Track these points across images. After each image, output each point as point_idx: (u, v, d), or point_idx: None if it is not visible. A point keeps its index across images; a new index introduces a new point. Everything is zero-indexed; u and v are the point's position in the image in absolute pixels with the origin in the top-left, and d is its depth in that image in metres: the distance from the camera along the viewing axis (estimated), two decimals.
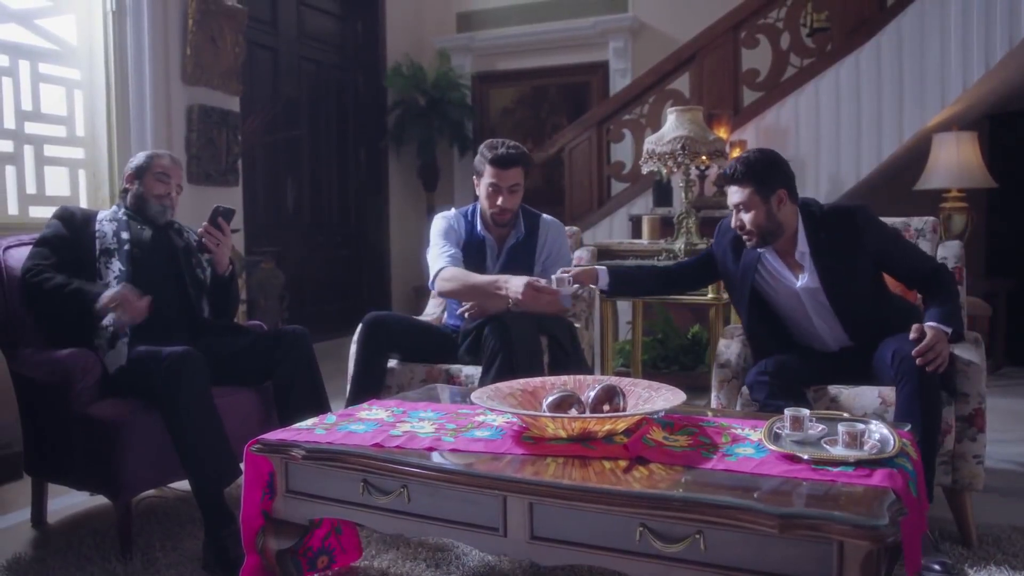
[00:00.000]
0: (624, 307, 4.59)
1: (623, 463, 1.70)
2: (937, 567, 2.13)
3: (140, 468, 2.41)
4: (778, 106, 5.22)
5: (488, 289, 2.80)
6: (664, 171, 3.53)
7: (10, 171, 3.64)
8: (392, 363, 2.95)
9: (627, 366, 4.43)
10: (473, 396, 2.00)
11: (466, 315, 2.90)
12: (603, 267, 2.82)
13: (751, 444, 1.80)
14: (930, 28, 4.77)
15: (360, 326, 2.91)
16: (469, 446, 1.84)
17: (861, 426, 1.73)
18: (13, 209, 3.64)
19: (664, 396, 1.97)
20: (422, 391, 2.52)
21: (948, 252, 2.81)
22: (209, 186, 4.31)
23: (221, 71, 4.32)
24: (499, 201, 2.92)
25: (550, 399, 1.93)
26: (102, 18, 3.91)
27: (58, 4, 3.83)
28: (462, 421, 2.04)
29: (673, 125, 3.53)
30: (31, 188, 3.71)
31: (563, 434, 1.83)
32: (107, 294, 2.44)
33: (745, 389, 2.57)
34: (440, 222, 3.07)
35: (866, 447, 1.69)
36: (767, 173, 2.49)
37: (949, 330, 2.30)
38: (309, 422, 2.08)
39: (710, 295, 3.36)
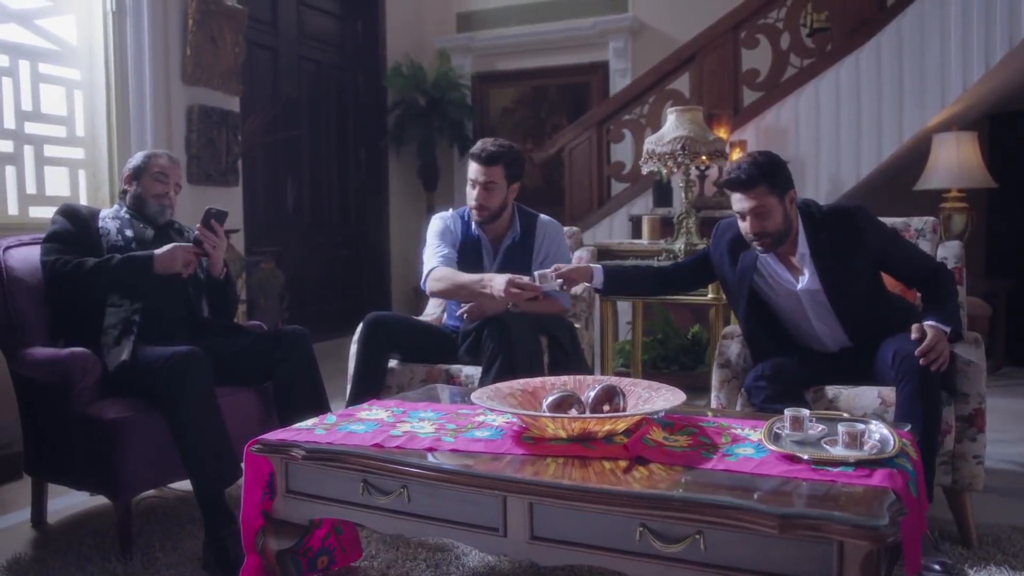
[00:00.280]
0: (624, 307, 4.59)
1: (623, 463, 1.70)
2: (937, 567, 2.14)
3: (140, 468, 2.41)
4: (778, 106, 5.22)
5: (474, 288, 2.81)
6: (664, 171, 3.53)
7: (10, 171, 3.64)
8: (392, 363, 2.96)
9: (627, 366, 4.43)
10: (473, 396, 2.00)
11: (464, 316, 2.90)
12: (598, 266, 2.81)
13: (751, 444, 1.80)
14: (930, 28, 4.77)
15: (360, 326, 2.91)
16: (469, 446, 1.84)
17: (861, 426, 1.73)
18: (13, 209, 3.64)
19: (664, 396, 1.97)
20: (422, 391, 2.52)
21: (948, 252, 2.81)
22: (209, 186, 4.31)
23: (221, 71, 4.32)
24: (474, 197, 2.94)
25: (550, 399, 1.93)
26: (102, 18, 3.91)
27: (58, 4, 3.83)
28: (462, 421, 2.04)
29: (673, 125, 3.52)
30: (31, 188, 3.71)
31: (563, 434, 1.83)
32: (162, 255, 2.56)
33: (745, 391, 2.56)
34: (437, 222, 3.08)
35: (866, 447, 1.69)
36: (778, 173, 2.45)
37: (948, 329, 2.31)
38: (309, 422, 2.08)
39: (710, 295, 3.36)
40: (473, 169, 2.94)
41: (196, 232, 2.71)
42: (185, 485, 2.54)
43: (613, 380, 2.08)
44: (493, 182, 2.92)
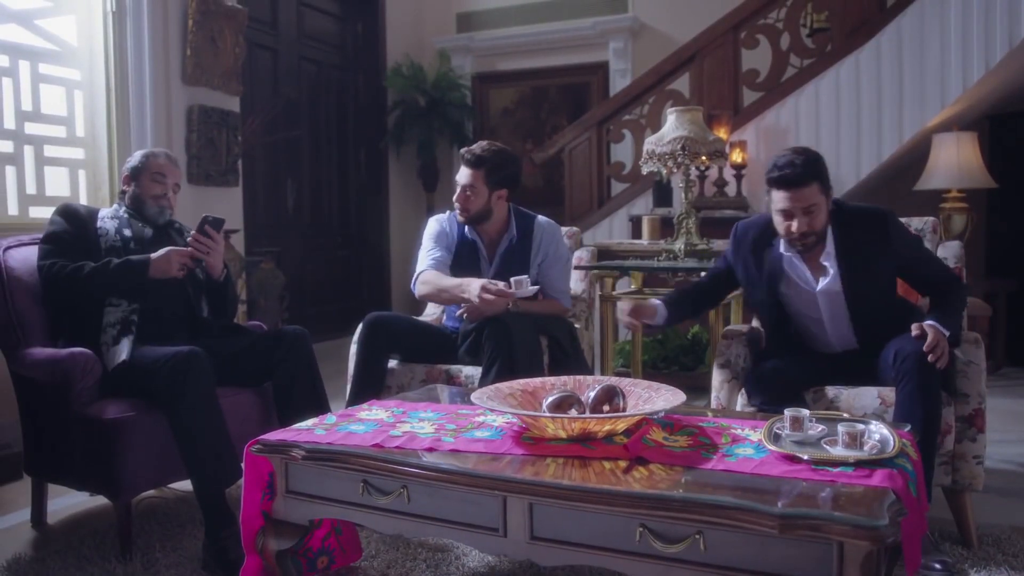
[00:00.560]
0: None
1: (623, 463, 1.70)
2: (938, 566, 2.14)
3: (140, 468, 2.41)
4: (778, 106, 5.22)
5: (454, 293, 2.84)
6: (664, 171, 3.53)
7: (10, 171, 3.64)
8: (392, 363, 2.96)
9: (627, 366, 4.43)
10: (473, 396, 2.00)
11: (464, 316, 2.90)
12: (659, 302, 2.71)
13: (751, 444, 1.80)
14: (930, 28, 4.77)
15: (361, 326, 2.91)
16: (469, 446, 1.84)
17: (861, 426, 1.73)
18: (13, 209, 3.64)
19: (664, 396, 1.97)
20: (422, 391, 2.52)
21: (948, 252, 2.80)
22: (209, 186, 4.31)
23: (221, 71, 4.32)
24: (455, 196, 2.98)
25: (550, 399, 1.93)
26: (102, 18, 3.92)
27: (58, 4, 3.84)
28: (462, 421, 2.04)
29: (673, 125, 3.52)
30: (31, 188, 3.71)
31: (563, 434, 1.83)
32: (158, 258, 2.57)
33: (745, 391, 2.56)
34: (433, 225, 3.09)
35: (866, 447, 1.69)
36: (825, 171, 2.40)
37: (947, 333, 2.32)
38: (309, 422, 2.07)
39: None
40: (459, 171, 2.99)
41: (190, 239, 2.71)
42: (185, 485, 2.54)
43: (613, 380, 2.08)
44: (472, 186, 2.94)
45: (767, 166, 2.48)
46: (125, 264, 2.57)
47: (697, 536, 1.48)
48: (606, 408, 1.92)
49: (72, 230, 2.65)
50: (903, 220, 2.86)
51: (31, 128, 3.72)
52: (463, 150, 3.00)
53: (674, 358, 4.73)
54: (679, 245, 3.58)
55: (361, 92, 6.98)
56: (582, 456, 1.75)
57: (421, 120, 6.86)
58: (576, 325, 3.20)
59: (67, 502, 2.88)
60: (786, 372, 2.49)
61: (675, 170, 3.52)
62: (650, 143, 3.55)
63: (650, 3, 6.67)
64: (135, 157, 2.83)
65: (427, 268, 2.97)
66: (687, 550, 1.49)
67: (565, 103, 7.12)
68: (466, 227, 3.03)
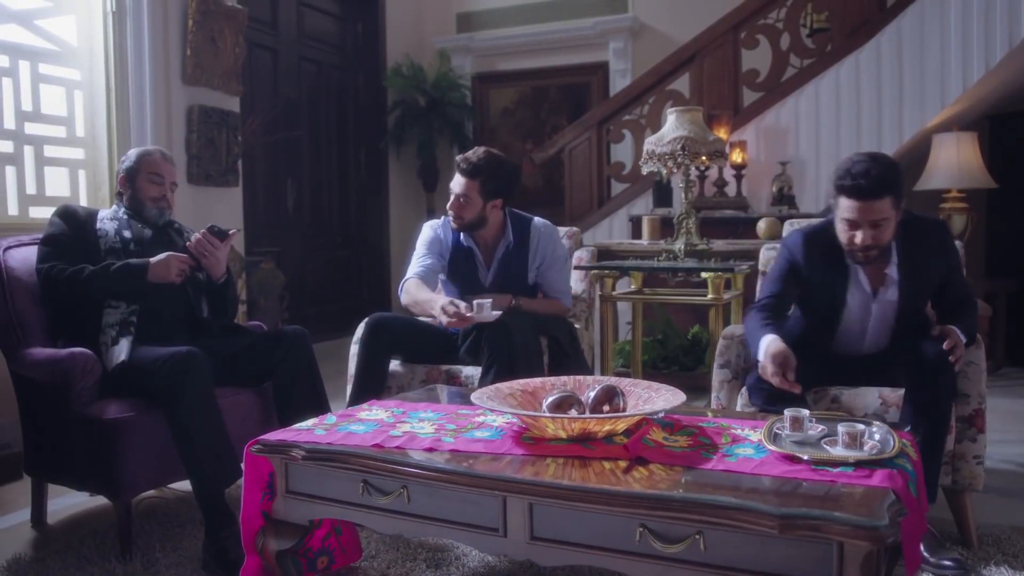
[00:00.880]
0: (624, 308, 4.59)
1: (623, 463, 1.70)
2: (949, 563, 2.14)
3: (140, 468, 2.41)
4: (778, 106, 5.22)
5: (425, 307, 2.82)
6: (664, 172, 3.53)
7: (10, 171, 3.64)
8: (394, 364, 2.95)
9: (627, 366, 4.43)
10: (473, 397, 2.00)
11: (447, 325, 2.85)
12: (780, 341, 2.33)
13: (751, 445, 1.80)
14: (930, 28, 4.77)
15: (363, 327, 2.91)
16: (469, 447, 1.84)
17: (861, 427, 1.73)
18: (13, 210, 3.64)
19: (664, 397, 1.97)
20: (422, 391, 2.52)
21: None
22: (209, 186, 4.31)
23: (221, 71, 4.32)
24: (448, 204, 2.95)
25: (550, 399, 1.93)
26: (102, 18, 3.92)
27: (58, 4, 3.84)
28: (462, 422, 2.04)
29: (673, 125, 3.53)
30: (31, 189, 3.71)
31: (563, 434, 1.83)
32: (157, 263, 2.57)
33: (745, 391, 2.56)
34: (426, 231, 3.07)
35: (866, 448, 1.69)
36: (901, 183, 2.28)
37: (964, 339, 2.35)
38: (309, 422, 2.07)
39: (710, 296, 3.36)
40: (455, 177, 2.96)
41: (189, 245, 2.71)
42: (185, 485, 2.53)
43: (613, 380, 2.08)
44: (466, 195, 2.91)
45: (839, 169, 2.33)
46: (124, 268, 2.57)
47: (697, 536, 1.48)
48: (606, 408, 1.92)
49: (71, 232, 2.65)
50: None
51: (31, 128, 3.72)
52: (459, 157, 2.96)
53: (674, 358, 4.73)
54: (679, 245, 3.58)
55: (361, 92, 6.98)
56: (582, 456, 1.75)
57: (421, 120, 6.86)
58: (576, 325, 3.20)
59: (67, 502, 2.88)
60: None
61: (675, 170, 3.52)
62: (650, 143, 3.56)
63: (650, 3, 6.67)
64: (129, 157, 2.81)
65: (412, 276, 2.95)
66: (687, 550, 1.49)
67: (565, 103, 7.12)
68: (461, 234, 3.01)
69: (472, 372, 2.86)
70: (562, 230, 3.61)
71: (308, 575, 2.14)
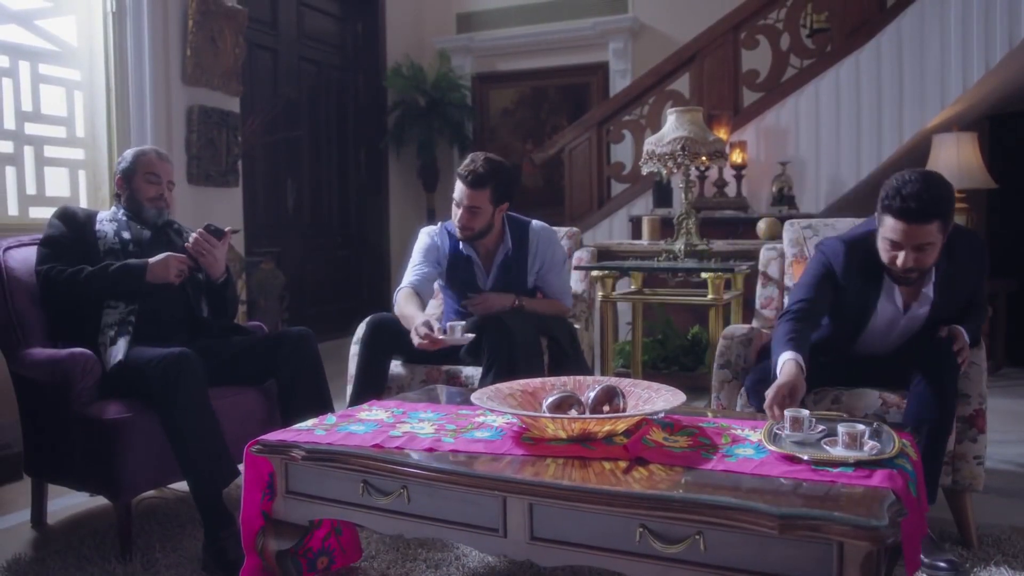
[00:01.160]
0: (624, 308, 4.59)
1: (623, 464, 1.70)
2: (944, 565, 2.14)
3: (140, 468, 2.41)
4: (778, 107, 5.22)
5: (406, 323, 2.75)
6: (664, 172, 3.53)
7: (10, 172, 3.64)
8: (394, 364, 2.95)
9: (627, 367, 4.43)
10: (473, 397, 2.00)
11: (469, 308, 2.88)
12: (795, 361, 2.14)
13: (751, 445, 1.80)
14: (930, 28, 4.77)
15: (364, 328, 2.91)
16: (469, 447, 1.84)
17: (861, 427, 1.73)
18: (13, 210, 3.64)
19: (664, 397, 1.97)
20: (422, 392, 2.52)
21: None
22: (209, 187, 4.31)
23: (221, 72, 4.32)
24: (457, 218, 2.88)
25: (550, 400, 1.93)
26: (102, 19, 3.92)
27: (58, 5, 3.84)
28: (462, 422, 2.04)
29: (673, 126, 3.52)
30: (31, 189, 3.71)
31: (563, 435, 1.83)
32: (156, 263, 2.57)
33: (744, 391, 2.56)
34: (423, 238, 3.03)
35: (866, 448, 1.69)
36: (952, 206, 2.20)
37: (969, 340, 2.35)
38: (309, 423, 2.08)
39: (710, 296, 3.36)
40: (458, 189, 2.86)
41: (187, 245, 2.71)
42: (185, 485, 2.53)
43: (613, 381, 2.08)
44: (477, 207, 2.85)
45: (887, 186, 2.22)
46: (123, 268, 2.57)
47: (697, 536, 1.48)
48: (606, 408, 1.92)
49: (70, 234, 2.65)
50: None
51: (31, 128, 3.72)
52: (461, 170, 2.85)
53: (674, 358, 4.73)
54: (679, 245, 3.58)
55: (361, 92, 6.99)
56: (582, 456, 1.75)
57: (421, 120, 6.86)
58: (576, 326, 3.20)
59: (67, 502, 2.88)
60: None
61: (675, 170, 3.52)
62: (650, 143, 3.56)
63: (650, 3, 6.67)
64: (125, 158, 2.80)
65: (406, 286, 2.90)
66: (687, 550, 1.50)
67: (565, 103, 7.13)
68: (459, 241, 2.97)
69: (472, 372, 2.86)
70: (562, 230, 3.62)
71: (308, 575, 2.14)
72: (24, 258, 2.69)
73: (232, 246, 2.92)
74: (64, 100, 3.85)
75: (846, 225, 2.96)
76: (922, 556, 2.14)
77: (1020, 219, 5.38)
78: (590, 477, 1.64)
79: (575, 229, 3.71)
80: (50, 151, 3.81)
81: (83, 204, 3.88)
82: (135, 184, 2.76)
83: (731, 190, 5.23)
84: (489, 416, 2.05)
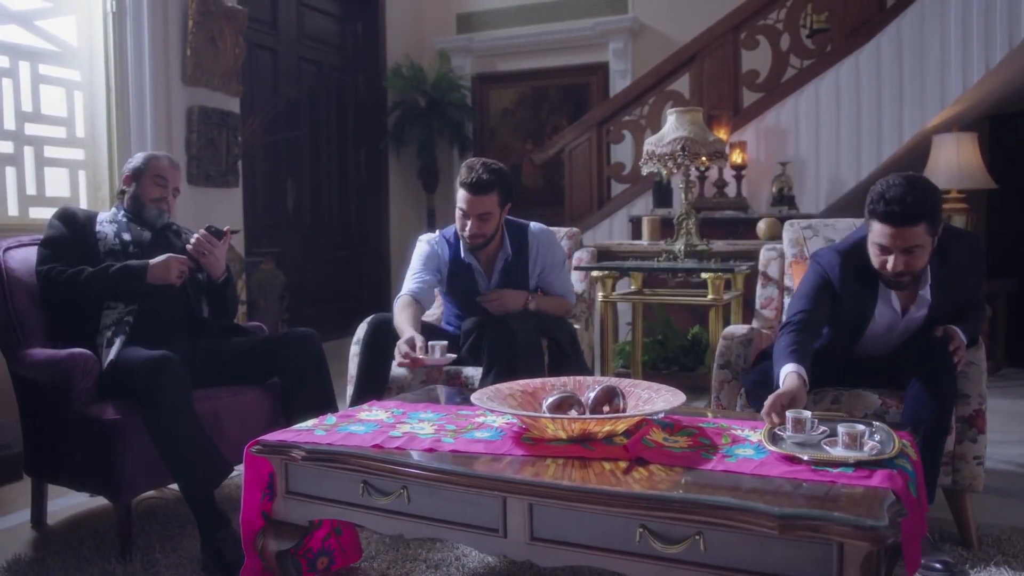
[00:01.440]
0: (624, 308, 4.59)
1: (623, 464, 1.70)
2: (938, 566, 2.14)
3: (140, 469, 2.41)
4: (778, 107, 5.22)
5: (400, 336, 2.71)
6: (664, 172, 3.53)
7: (10, 172, 3.64)
8: (395, 364, 2.94)
9: (627, 367, 4.43)
10: (473, 397, 2.00)
11: (486, 304, 2.89)
12: (797, 373, 2.12)
13: (751, 445, 1.80)
14: (930, 29, 4.77)
15: (366, 328, 2.90)
16: (469, 447, 1.84)
17: (861, 427, 1.73)
18: (13, 210, 3.64)
19: (664, 397, 1.97)
20: (422, 392, 2.52)
21: None
22: (209, 187, 4.31)
23: (221, 72, 4.32)
24: (467, 228, 2.83)
25: (550, 400, 1.93)
26: (102, 19, 3.92)
27: (58, 5, 3.84)
28: (462, 422, 2.04)
29: (673, 126, 3.52)
30: (31, 189, 3.71)
31: (563, 435, 1.83)
32: (156, 264, 2.58)
33: (744, 392, 2.56)
34: (423, 246, 2.99)
35: (866, 448, 1.69)
36: (939, 209, 2.21)
37: (965, 340, 2.35)
38: (309, 423, 2.08)
39: (710, 296, 3.36)
40: (464, 200, 2.81)
41: (189, 247, 2.71)
42: None
43: (613, 381, 2.08)
44: (488, 213, 2.81)
45: (873, 191, 2.24)
46: (123, 269, 2.58)
47: (697, 537, 1.48)
48: (606, 409, 1.92)
49: (70, 234, 2.65)
50: None
51: (31, 129, 3.72)
52: (464, 180, 2.79)
53: (674, 359, 4.73)
54: (679, 246, 3.58)
55: (361, 92, 6.99)
56: (582, 457, 1.75)
57: (421, 120, 6.86)
58: (576, 326, 3.20)
59: (67, 502, 2.88)
60: None
61: (675, 171, 3.52)
62: (650, 144, 3.56)
63: (650, 4, 6.67)
64: (137, 158, 2.83)
65: (406, 293, 2.86)
66: (687, 551, 1.50)
67: (565, 104, 7.13)
68: (461, 250, 2.93)
69: (473, 372, 2.85)
70: (562, 230, 3.62)
71: (308, 575, 2.14)
72: (24, 258, 2.69)
73: (232, 246, 2.92)
74: (64, 100, 3.85)
75: (846, 225, 2.96)
76: None
77: (1020, 219, 5.38)
78: (590, 477, 1.64)
79: (575, 229, 3.71)
80: (50, 151, 3.81)
81: (83, 204, 3.88)
82: (142, 183, 2.77)
83: (731, 190, 5.23)
84: (489, 416, 2.05)
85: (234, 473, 2.59)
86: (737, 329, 2.85)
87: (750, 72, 5.35)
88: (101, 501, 2.79)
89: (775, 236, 4.13)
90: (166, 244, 2.78)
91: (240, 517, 1.98)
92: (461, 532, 1.75)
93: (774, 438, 1.79)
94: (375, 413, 2.16)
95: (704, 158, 3.48)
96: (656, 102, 5.58)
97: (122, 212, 2.79)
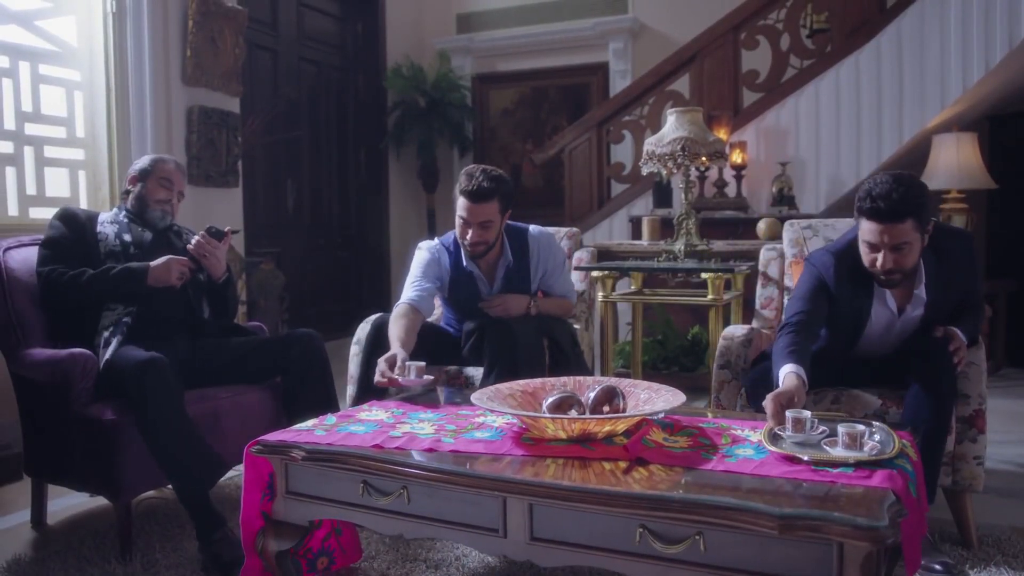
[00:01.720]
0: (624, 308, 4.59)
1: (623, 464, 1.70)
2: (938, 567, 2.14)
3: (140, 469, 2.41)
4: (778, 107, 5.22)
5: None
6: (664, 172, 3.53)
7: (10, 172, 3.64)
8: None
9: (627, 367, 4.43)
10: (473, 397, 2.01)
11: (487, 309, 2.87)
12: (796, 373, 2.12)
13: (751, 445, 1.80)
14: (930, 29, 4.77)
15: (367, 329, 2.90)
16: (469, 447, 1.84)
17: (861, 427, 1.73)
18: (13, 210, 3.64)
19: (664, 397, 1.97)
20: (422, 392, 2.51)
21: None
22: (209, 187, 4.31)
23: (221, 72, 4.32)
24: (468, 236, 2.81)
25: (550, 400, 1.93)
26: (102, 19, 3.92)
27: (58, 5, 3.84)
28: (462, 422, 2.04)
29: (673, 126, 3.52)
30: (31, 189, 3.71)
31: (563, 435, 1.83)
32: (157, 266, 2.58)
33: (744, 392, 2.56)
34: (423, 254, 2.95)
35: (866, 448, 1.69)
36: (926, 206, 2.21)
37: (966, 340, 2.35)
38: (309, 423, 2.08)
39: (710, 296, 3.36)
40: (465, 208, 2.78)
41: (190, 247, 2.71)
42: None
43: (613, 381, 2.08)
44: (490, 221, 2.79)
45: (860, 189, 2.28)
46: (124, 271, 2.58)
47: (697, 537, 1.48)
48: (606, 409, 1.92)
49: (71, 235, 2.65)
50: None
51: (31, 129, 3.72)
52: (464, 188, 2.76)
53: (674, 359, 4.73)
54: (679, 246, 3.58)
55: (361, 92, 6.99)
56: (582, 457, 1.75)
57: (421, 121, 6.86)
58: (576, 326, 3.20)
59: (67, 503, 2.88)
60: None
61: (675, 171, 3.52)
62: (650, 144, 3.56)
63: (650, 4, 6.67)
64: (144, 160, 2.84)
65: (405, 301, 2.80)
66: (687, 551, 1.50)
67: (565, 104, 7.13)
68: (463, 258, 2.90)
69: (473, 372, 2.85)
70: (562, 231, 3.62)
71: (308, 575, 2.15)
72: (24, 258, 2.69)
73: (232, 246, 2.92)
74: (64, 100, 3.85)
75: (846, 225, 2.96)
76: None
77: (1020, 219, 5.38)
78: (590, 477, 1.64)
79: (575, 229, 3.71)
80: (50, 151, 3.81)
81: (83, 205, 3.88)
82: (148, 185, 2.78)
83: (731, 190, 5.23)
84: (489, 416, 2.05)
85: (234, 473, 2.60)
86: (737, 329, 2.85)
87: (750, 72, 5.35)
88: (101, 501, 2.79)
89: (775, 236, 4.13)
90: (167, 245, 2.78)
91: (240, 517, 1.98)
92: (461, 532, 1.75)
93: (774, 438, 1.79)
94: (375, 413, 2.16)
95: (704, 158, 3.48)
96: (656, 102, 5.58)
97: (124, 212, 2.79)
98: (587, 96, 7.00)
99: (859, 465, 1.62)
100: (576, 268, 3.52)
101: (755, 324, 3.06)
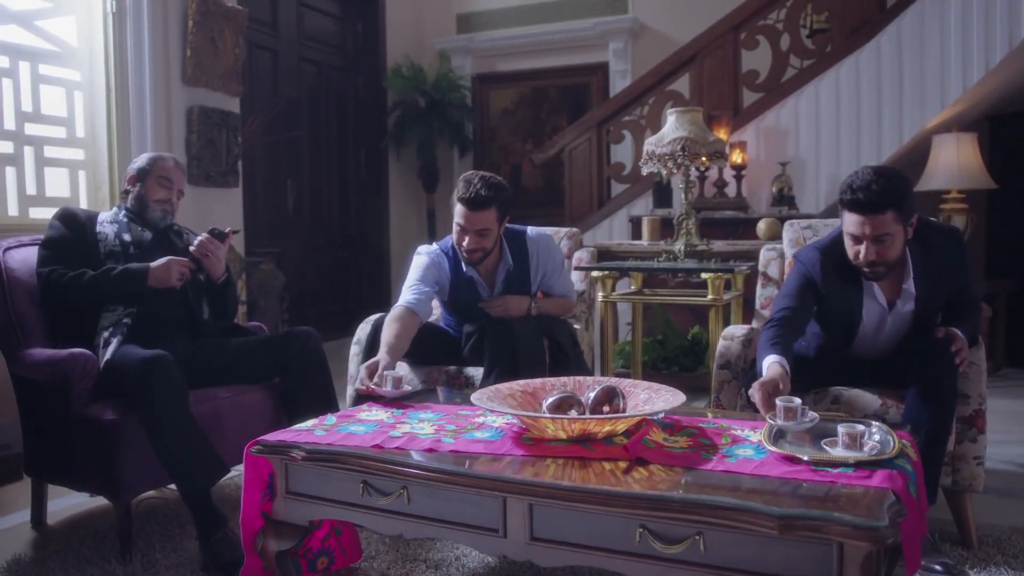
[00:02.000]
0: (624, 308, 4.59)
1: (623, 464, 1.70)
2: (938, 567, 2.14)
3: (140, 469, 2.41)
4: (778, 107, 5.22)
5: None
6: (664, 172, 3.53)
7: (10, 172, 3.64)
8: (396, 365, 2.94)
9: (627, 367, 4.43)
10: (473, 397, 2.01)
11: (488, 309, 2.87)
12: (779, 363, 2.18)
13: (751, 445, 1.80)
14: (930, 29, 4.77)
15: (368, 329, 2.90)
16: (469, 447, 1.84)
17: (861, 427, 1.73)
18: (13, 210, 3.64)
19: (664, 397, 1.97)
20: (422, 392, 2.51)
21: None
22: (209, 187, 4.31)
23: (221, 72, 4.32)
24: (465, 243, 2.79)
25: (550, 400, 1.93)
26: (102, 19, 3.92)
27: (58, 5, 3.84)
28: (462, 422, 2.04)
29: (673, 126, 3.52)
30: (31, 189, 3.71)
31: (563, 435, 1.83)
32: (157, 267, 2.58)
33: (744, 392, 2.56)
34: (423, 258, 2.93)
35: (866, 448, 1.69)
36: (908, 198, 2.24)
37: (966, 341, 2.35)
38: (309, 423, 2.08)
39: (710, 296, 3.36)
40: (462, 215, 2.76)
41: (192, 248, 2.72)
42: None
43: (613, 381, 2.08)
44: (487, 229, 2.78)
45: (843, 182, 2.33)
46: (124, 272, 2.57)
47: (697, 537, 1.48)
48: (606, 409, 1.92)
49: (71, 235, 2.65)
50: None
51: (31, 129, 3.72)
52: (462, 196, 2.75)
53: (674, 359, 4.73)
54: (679, 246, 3.58)
55: (361, 92, 6.99)
56: (582, 457, 1.75)
57: (421, 121, 6.86)
58: (576, 326, 3.20)
59: (67, 503, 2.88)
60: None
61: (675, 171, 3.52)
62: (650, 144, 3.56)
63: (650, 4, 6.67)
64: (143, 158, 2.83)
65: (402, 304, 2.77)
66: (687, 551, 1.50)
67: (565, 104, 7.13)
68: (463, 264, 2.89)
69: (474, 372, 2.85)
70: (562, 231, 3.62)
71: (308, 575, 2.15)
72: (24, 258, 2.69)
73: (232, 246, 2.92)
74: (64, 100, 3.86)
75: None
76: None
77: (1020, 219, 5.38)
78: (590, 477, 1.64)
79: (575, 229, 3.71)
80: (50, 151, 3.81)
81: (83, 205, 3.88)
82: (148, 184, 2.77)
83: (731, 190, 5.23)
84: (489, 416, 2.05)
85: (234, 473, 2.60)
86: (737, 329, 2.85)
87: (750, 72, 5.35)
88: (101, 501, 2.79)
89: (775, 236, 4.13)
90: (167, 245, 2.78)
91: (240, 517, 1.98)
92: (461, 532, 1.75)
93: (774, 438, 1.79)
94: (375, 413, 2.16)
95: (704, 158, 3.48)
96: (656, 102, 5.58)
97: (124, 212, 2.79)
98: (587, 96, 7.00)
99: (859, 465, 1.62)
100: (576, 268, 3.52)
101: (755, 324, 3.06)
